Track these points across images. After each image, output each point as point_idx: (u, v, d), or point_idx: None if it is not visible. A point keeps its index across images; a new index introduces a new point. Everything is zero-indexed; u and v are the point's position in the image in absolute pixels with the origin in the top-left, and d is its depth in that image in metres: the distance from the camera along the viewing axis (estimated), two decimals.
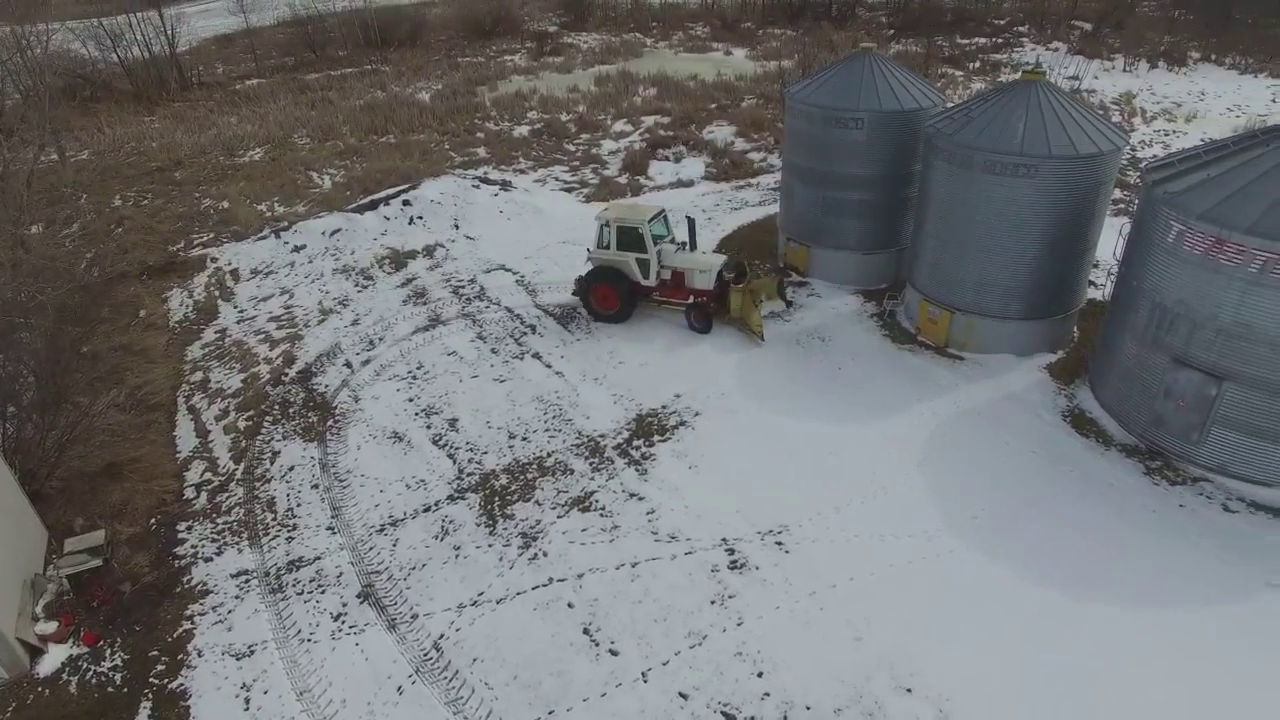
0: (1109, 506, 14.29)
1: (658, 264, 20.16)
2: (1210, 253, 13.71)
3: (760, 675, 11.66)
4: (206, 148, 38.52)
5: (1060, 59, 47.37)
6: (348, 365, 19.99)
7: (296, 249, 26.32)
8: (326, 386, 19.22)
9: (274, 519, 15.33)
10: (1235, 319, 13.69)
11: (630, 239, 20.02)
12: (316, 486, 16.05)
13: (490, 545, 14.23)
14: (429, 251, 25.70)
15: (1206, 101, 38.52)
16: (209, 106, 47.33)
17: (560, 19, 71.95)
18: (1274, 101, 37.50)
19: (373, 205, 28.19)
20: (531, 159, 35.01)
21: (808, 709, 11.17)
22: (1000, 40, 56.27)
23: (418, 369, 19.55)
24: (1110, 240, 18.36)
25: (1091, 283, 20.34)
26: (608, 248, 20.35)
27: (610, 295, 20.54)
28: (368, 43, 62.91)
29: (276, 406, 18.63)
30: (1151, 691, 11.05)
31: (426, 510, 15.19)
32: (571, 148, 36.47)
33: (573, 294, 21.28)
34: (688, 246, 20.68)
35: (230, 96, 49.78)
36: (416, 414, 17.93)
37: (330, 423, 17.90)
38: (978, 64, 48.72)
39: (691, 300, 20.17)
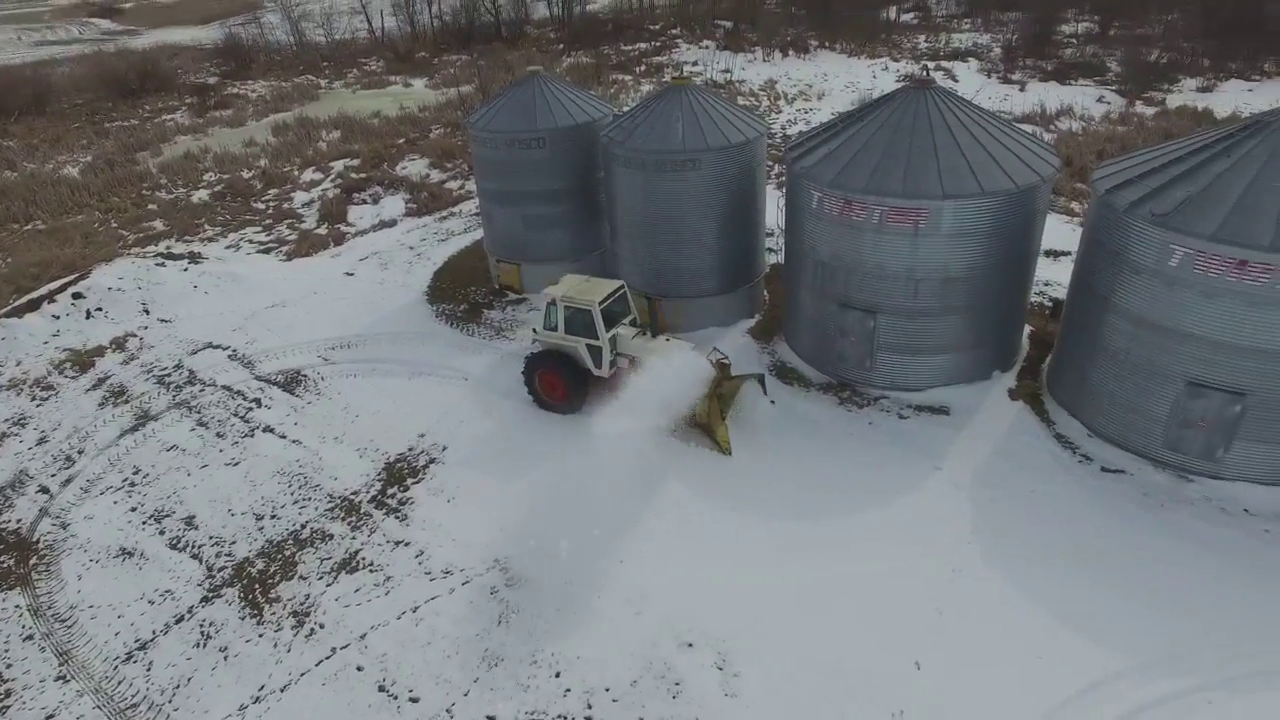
0: (816, 439, 16.73)
1: (611, 351, 17.71)
2: (843, 213, 16.49)
3: (558, 675, 12.32)
4: None
5: (712, 55, 52.90)
6: (43, 491, 17.64)
7: None
8: (19, 521, 16.83)
9: None
10: (873, 263, 16.62)
11: (581, 321, 17.51)
12: (31, 637, 14.09)
13: (261, 635, 13.50)
14: (118, 344, 23.19)
15: (829, 81, 45.18)
16: None
17: (220, 69, 66.83)
18: (874, 77, 44.99)
19: (33, 305, 24.76)
20: (218, 224, 32.57)
21: (607, 690, 12.03)
22: (659, 43, 61.39)
23: (135, 474, 17.75)
24: (774, 212, 21.21)
25: (770, 249, 23.30)
26: (555, 329, 17.84)
27: (557, 384, 17.97)
28: None
29: None
30: (877, 577, 13.31)
31: (179, 621, 14.01)
32: (260, 205, 34.43)
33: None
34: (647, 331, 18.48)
35: None
36: (144, 522, 16.33)
37: (34, 560, 15.76)
38: (643, 67, 52.85)
39: None
